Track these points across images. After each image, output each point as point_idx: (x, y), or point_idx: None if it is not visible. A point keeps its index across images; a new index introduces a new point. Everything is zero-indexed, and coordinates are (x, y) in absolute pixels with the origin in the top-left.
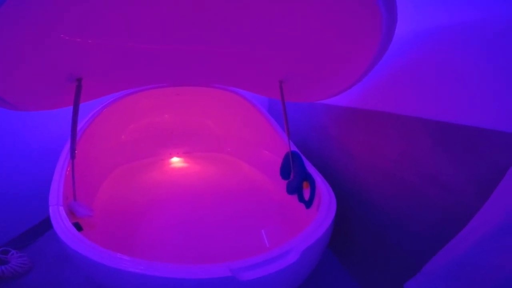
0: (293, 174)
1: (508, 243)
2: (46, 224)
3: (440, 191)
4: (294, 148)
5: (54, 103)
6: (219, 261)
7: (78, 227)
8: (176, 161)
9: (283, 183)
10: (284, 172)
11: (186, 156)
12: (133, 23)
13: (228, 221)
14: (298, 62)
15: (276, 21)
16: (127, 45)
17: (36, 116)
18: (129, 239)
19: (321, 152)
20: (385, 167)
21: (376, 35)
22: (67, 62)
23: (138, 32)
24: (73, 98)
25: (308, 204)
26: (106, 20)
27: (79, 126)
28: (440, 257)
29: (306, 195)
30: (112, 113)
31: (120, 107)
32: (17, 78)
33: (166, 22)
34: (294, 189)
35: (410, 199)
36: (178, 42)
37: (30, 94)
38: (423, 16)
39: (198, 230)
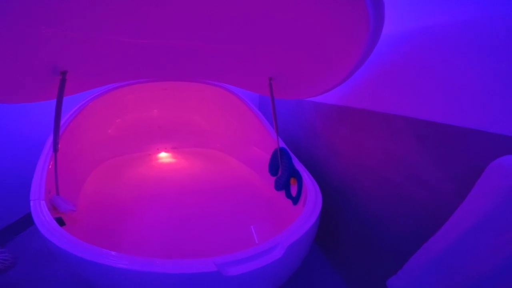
0: (281, 170)
1: (485, 240)
2: (28, 219)
3: (422, 189)
4: (282, 144)
5: (38, 96)
6: (207, 257)
7: (61, 222)
8: (164, 156)
9: (272, 179)
10: (272, 168)
11: (174, 151)
12: (119, 16)
13: (216, 217)
14: (287, 60)
15: (265, 19)
16: (114, 39)
17: (17, 109)
18: (115, 235)
19: (308, 149)
20: (371, 165)
21: (363, 33)
22: (50, 55)
23: (125, 26)
24: (57, 91)
25: (295, 200)
26: (91, 13)
27: (64, 119)
28: (420, 254)
29: (294, 191)
30: (98, 107)
31: (107, 101)
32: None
33: (155, 16)
34: (282, 185)
35: (394, 197)
36: (166, 37)
37: (13, 87)
38: (408, 16)
39: (185, 226)
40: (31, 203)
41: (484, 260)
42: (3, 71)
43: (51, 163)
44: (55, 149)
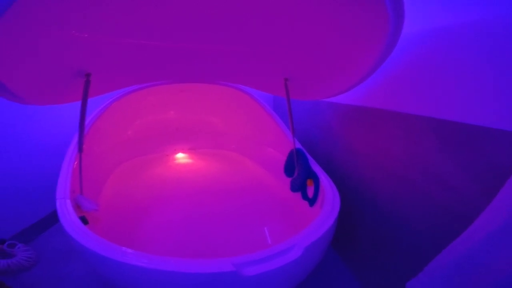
0: (297, 171)
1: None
2: (51, 218)
3: (444, 190)
4: (298, 145)
5: (62, 98)
6: (220, 257)
7: (84, 220)
8: (181, 157)
9: (287, 180)
10: (288, 169)
11: (191, 152)
12: (141, 21)
13: (231, 218)
14: (303, 60)
15: (283, 20)
16: (135, 42)
17: (42, 113)
18: (133, 234)
19: (325, 150)
20: (389, 166)
21: (383, 33)
22: (76, 58)
23: (146, 29)
24: (82, 93)
25: (312, 201)
26: (116, 18)
27: (86, 121)
28: (443, 257)
29: (310, 193)
30: (118, 109)
31: (126, 103)
32: (27, 72)
33: (174, 20)
34: (298, 186)
35: (414, 198)
36: (185, 40)
37: (39, 88)
38: (430, 14)
39: (201, 226)
40: (57, 202)
41: (510, 264)
42: (33, 73)
43: (76, 163)
44: (80, 149)
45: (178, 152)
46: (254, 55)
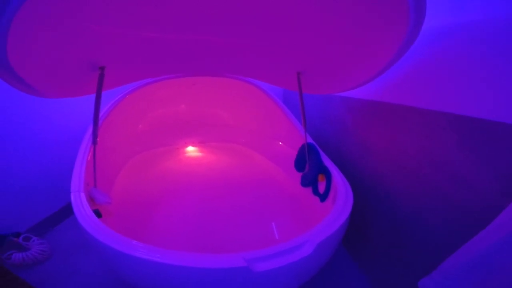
0: (309, 166)
1: None
2: (64, 211)
3: (462, 188)
4: (310, 140)
5: (76, 91)
6: (228, 251)
7: (98, 214)
8: (191, 150)
9: (297, 175)
10: (299, 164)
11: (201, 145)
12: (155, 14)
13: (239, 212)
14: (317, 54)
15: (298, 12)
16: (149, 36)
17: (55, 106)
18: (144, 228)
19: (337, 145)
20: (405, 162)
21: (403, 27)
22: (91, 51)
23: (160, 22)
24: (96, 85)
25: (323, 197)
26: (130, 10)
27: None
28: (459, 256)
29: (321, 188)
30: (130, 103)
31: (139, 97)
32: (44, 65)
33: (188, 13)
34: (309, 181)
35: (429, 195)
36: (198, 33)
37: (55, 81)
38: (451, 9)
39: (210, 220)
40: (72, 195)
41: None
42: (49, 66)
43: (89, 156)
44: (94, 141)
45: (188, 146)
46: (268, 48)
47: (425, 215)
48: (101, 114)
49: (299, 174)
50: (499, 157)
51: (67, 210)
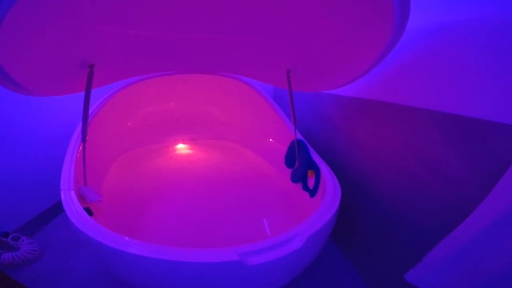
0: (298, 162)
1: (508, 235)
2: (53, 210)
3: (444, 183)
4: (300, 137)
5: (67, 89)
6: (220, 247)
7: (89, 212)
8: (181, 147)
9: (287, 171)
10: (289, 160)
11: (191, 143)
12: (145, 11)
13: (230, 208)
14: (307, 53)
15: (287, 11)
16: (139, 33)
17: (42, 104)
18: (135, 225)
19: (326, 142)
20: (391, 158)
21: (388, 26)
22: (80, 48)
23: (150, 20)
24: (85, 83)
25: (313, 192)
26: (121, 8)
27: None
28: (441, 248)
29: (311, 183)
30: (119, 100)
31: (128, 94)
32: (33, 63)
33: (177, 11)
34: (299, 177)
35: (414, 190)
36: (188, 31)
37: (44, 80)
38: (435, 8)
39: (201, 217)
40: (62, 193)
41: (506, 255)
42: (39, 64)
43: (78, 154)
44: (84, 139)
45: (178, 143)
46: (257, 46)
47: (410, 209)
48: (90, 111)
49: (290, 170)
50: (479, 153)
51: (56, 209)
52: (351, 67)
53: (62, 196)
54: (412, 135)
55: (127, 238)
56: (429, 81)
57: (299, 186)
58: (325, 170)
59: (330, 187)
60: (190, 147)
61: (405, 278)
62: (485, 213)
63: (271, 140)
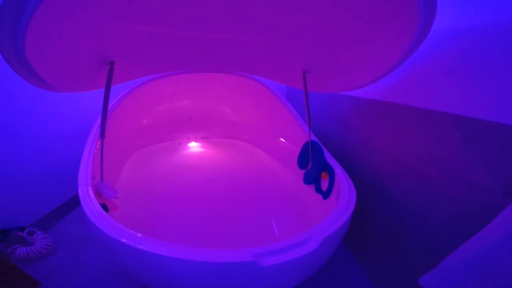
0: (312, 164)
1: None
2: (67, 206)
3: (464, 188)
4: (314, 138)
5: (86, 85)
6: (230, 246)
7: (105, 208)
8: (194, 145)
9: (299, 172)
10: (302, 161)
11: (203, 141)
12: (165, 10)
13: (241, 208)
14: (325, 53)
15: (306, 11)
16: (158, 31)
17: (59, 102)
18: (147, 221)
19: (341, 144)
20: (409, 162)
21: (413, 27)
22: (102, 46)
23: (170, 19)
24: (105, 80)
25: (326, 195)
26: (142, 6)
27: None
28: (458, 254)
29: (324, 185)
30: (135, 98)
31: (143, 92)
32: (58, 61)
33: (197, 10)
34: (312, 179)
35: (432, 195)
36: (206, 30)
37: (68, 76)
38: (461, 12)
39: (210, 215)
40: (79, 189)
41: None
42: (62, 61)
43: (95, 150)
44: (102, 135)
45: (191, 141)
46: (275, 46)
47: (427, 215)
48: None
49: (302, 172)
50: (502, 159)
51: (70, 205)
52: (370, 68)
53: (80, 192)
54: (432, 139)
55: (142, 236)
56: (451, 84)
57: (310, 187)
58: (339, 172)
59: (345, 189)
60: (202, 145)
61: (419, 283)
62: (507, 220)
63: (283, 140)
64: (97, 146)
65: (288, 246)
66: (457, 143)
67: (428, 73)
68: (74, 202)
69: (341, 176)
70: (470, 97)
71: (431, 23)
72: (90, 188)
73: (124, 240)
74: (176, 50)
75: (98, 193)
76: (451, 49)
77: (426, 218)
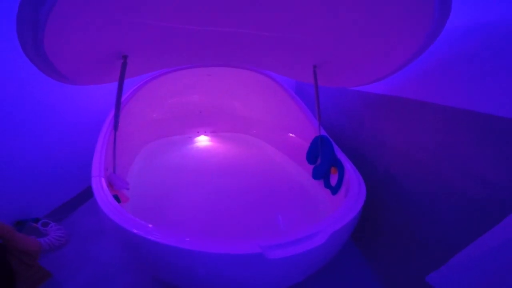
0: (321, 159)
1: None
2: (80, 198)
3: (479, 185)
4: (324, 133)
5: (101, 79)
6: (237, 238)
7: (117, 199)
8: (203, 139)
9: (308, 167)
10: (311, 156)
11: (213, 135)
12: (177, 4)
13: (249, 202)
14: (337, 48)
15: (318, 4)
16: (171, 26)
17: (73, 93)
18: (158, 212)
19: (351, 139)
20: (420, 158)
21: (427, 23)
22: (116, 40)
23: (182, 13)
24: (119, 73)
25: (335, 190)
26: (153, 1)
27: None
28: (467, 252)
29: (333, 181)
30: (147, 91)
31: (155, 86)
32: (75, 54)
33: (207, 4)
34: (321, 174)
35: (444, 191)
36: (218, 25)
37: (84, 70)
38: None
39: (220, 209)
40: (93, 180)
41: None
42: (79, 55)
43: (108, 142)
44: (116, 127)
45: (200, 135)
46: (286, 41)
47: (439, 211)
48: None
49: (311, 167)
50: None
51: (82, 197)
52: (383, 64)
53: (93, 183)
54: (445, 135)
55: (151, 226)
56: (465, 80)
57: (319, 183)
58: (349, 167)
59: (355, 184)
60: (211, 139)
61: (427, 280)
62: None
63: (292, 135)
64: (110, 138)
65: (296, 240)
66: (470, 139)
67: (440, 69)
68: (85, 194)
69: (350, 171)
70: (483, 92)
71: (446, 18)
72: (103, 179)
73: (135, 231)
74: (188, 45)
75: (110, 184)
76: (464, 44)
77: (438, 216)
